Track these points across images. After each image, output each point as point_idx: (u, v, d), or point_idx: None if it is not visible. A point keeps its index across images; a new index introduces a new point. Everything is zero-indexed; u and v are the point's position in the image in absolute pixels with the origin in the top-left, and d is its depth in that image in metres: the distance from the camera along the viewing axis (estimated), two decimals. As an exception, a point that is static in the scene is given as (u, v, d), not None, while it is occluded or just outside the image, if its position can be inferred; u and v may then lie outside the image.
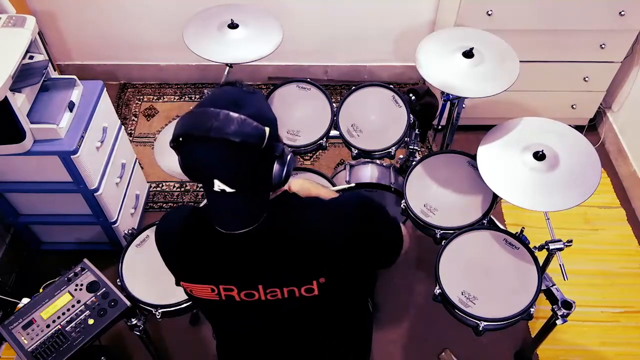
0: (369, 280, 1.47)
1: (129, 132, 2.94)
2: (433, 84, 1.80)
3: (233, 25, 1.96)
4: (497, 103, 2.64)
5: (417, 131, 2.01)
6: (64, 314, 1.62)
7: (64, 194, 2.08)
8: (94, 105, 2.00)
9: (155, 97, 3.13)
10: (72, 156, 1.87)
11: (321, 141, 1.97)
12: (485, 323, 1.56)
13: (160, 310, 1.65)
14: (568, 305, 1.66)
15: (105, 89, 2.09)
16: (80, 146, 1.89)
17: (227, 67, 2.01)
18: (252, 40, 1.96)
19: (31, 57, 1.89)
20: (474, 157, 1.79)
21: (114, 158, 2.16)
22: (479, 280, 1.64)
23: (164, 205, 2.63)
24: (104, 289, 1.67)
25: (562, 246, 1.62)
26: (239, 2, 2.06)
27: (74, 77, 1.99)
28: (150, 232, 1.82)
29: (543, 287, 1.66)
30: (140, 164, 2.54)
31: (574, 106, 2.75)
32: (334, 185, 1.99)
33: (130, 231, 1.83)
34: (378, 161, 2.15)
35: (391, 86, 1.99)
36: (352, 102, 2.00)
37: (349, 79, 3.16)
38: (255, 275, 1.07)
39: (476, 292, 1.61)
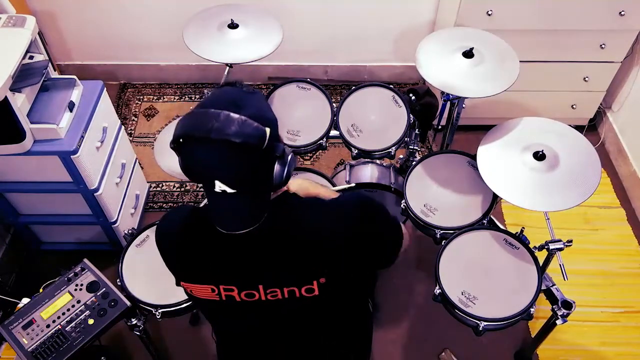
0: (369, 280, 1.47)
1: (129, 132, 2.94)
2: (433, 84, 1.80)
3: (233, 25, 1.96)
4: (497, 103, 2.64)
5: (417, 131, 2.01)
6: (64, 314, 1.62)
7: (64, 194, 2.08)
8: (94, 105, 2.00)
9: (155, 97, 3.13)
10: (72, 156, 1.87)
11: (321, 141, 1.97)
12: (485, 323, 1.56)
13: (160, 310, 1.65)
14: (568, 305, 1.66)
15: (105, 89, 2.09)
16: (80, 146, 1.89)
17: (227, 67, 2.01)
18: (252, 40, 1.96)
19: (31, 57, 1.89)
20: (474, 157, 1.79)
21: (114, 158, 2.16)
22: (479, 280, 1.64)
23: (164, 205, 2.63)
24: (104, 289, 1.67)
25: (562, 246, 1.62)
26: (239, 2, 2.06)
27: (74, 77, 1.99)
28: (150, 232, 1.82)
29: (543, 287, 1.66)
30: (140, 164, 2.54)
31: (574, 106, 2.75)
32: (334, 185, 1.99)
33: (130, 231, 1.83)
34: (378, 161, 2.15)
35: (391, 86, 1.99)
36: (352, 102, 2.00)
37: (349, 79, 3.16)
38: (256, 276, 1.07)
39: (476, 292, 1.61)
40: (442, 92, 1.90)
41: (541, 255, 1.69)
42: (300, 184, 1.33)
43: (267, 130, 0.95)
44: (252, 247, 1.05)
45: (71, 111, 1.92)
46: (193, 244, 1.10)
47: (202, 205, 1.73)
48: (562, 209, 1.55)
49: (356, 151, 1.93)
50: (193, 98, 3.13)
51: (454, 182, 1.86)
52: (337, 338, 1.27)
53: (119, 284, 1.70)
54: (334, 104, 2.00)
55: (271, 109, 1.03)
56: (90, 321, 1.60)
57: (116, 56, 3.07)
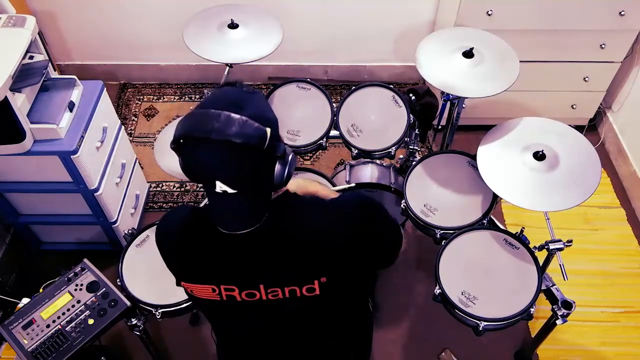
0: (369, 280, 1.47)
1: (129, 132, 2.94)
2: (433, 84, 1.80)
3: (233, 25, 1.96)
4: (497, 103, 2.64)
5: (417, 131, 2.01)
6: (64, 314, 1.62)
7: (64, 194, 2.08)
8: (94, 105, 2.00)
9: (155, 97, 3.13)
10: (72, 156, 1.87)
11: (321, 141, 1.97)
12: (485, 323, 1.56)
13: (160, 310, 1.65)
14: (568, 305, 1.66)
15: (105, 89, 2.09)
16: (80, 146, 1.89)
17: (227, 67, 2.01)
18: (252, 40, 1.96)
19: (31, 57, 1.89)
20: (474, 157, 1.79)
21: (114, 158, 2.16)
22: (479, 280, 1.64)
23: (164, 205, 2.63)
24: (104, 289, 1.67)
25: (562, 246, 1.62)
26: (239, 2, 2.06)
27: (74, 77, 1.99)
28: (150, 232, 1.82)
29: (543, 287, 1.66)
30: (140, 164, 2.54)
31: (574, 106, 2.75)
32: (334, 185, 1.99)
33: (130, 231, 1.83)
34: (378, 161, 2.15)
35: (391, 86, 1.99)
36: (352, 102, 2.00)
37: (349, 79, 3.16)
38: (257, 275, 1.07)
39: (476, 292, 1.61)
40: (442, 92, 1.90)
41: (541, 255, 1.69)
42: (298, 182, 1.33)
43: (268, 130, 0.95)
44: (252, 247, 1.05)
45: (71, 111, 1.92)
46: (193, 244, 1.10)
47: (202, 205, 1.73)
48: (562, 209, 1.55)
49: (356, 151, 1.93)
50: (193, 98, 3.13)
51: (454, 182, 1.86)
52: (337, 338, 1.27)
53: (119, 284, 1.70)
54: (334, 104, 2.00)
55: (271, 109, 1.03)
56: (90, 321, 1.60)
57: (116, 56, 3.07)
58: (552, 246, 1.63)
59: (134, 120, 3.00)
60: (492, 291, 1.62)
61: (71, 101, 1.92)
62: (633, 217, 2.59)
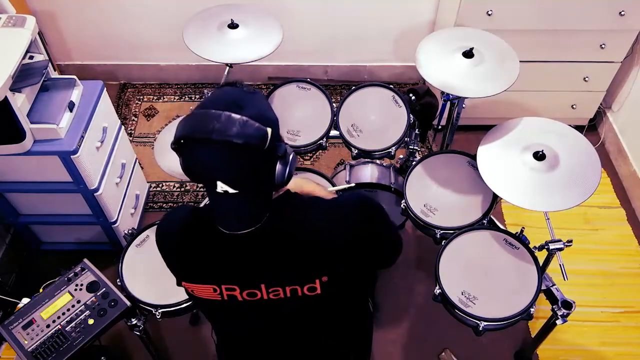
0: (369, 280, 1.47)
1: (129, 132, 2.94)
2: (433, 84, 1.80)
3: (233, 25, 1.96)
4: (497, 103, 2.64)
5: (417, 131, 2.01)
6: (64, 314, 1.62)
7: (64, 194, 2.08)
8: (94, 105, 2.00)
9: (155, 97, 3.13)
10: (72, 156, 1.87)
11: (321, 141, 1.97)
12: (485, 323, 1.56)
13: (160, 310, 1.65)
14: (568, 305, 1.66)
15: (105, 89, 2.09)
16: (80, 146, 1.89)
17: (227, 67, 2.01)
18: (252, 40, 1.96)
19: (31, 57, 1.89)
20: (474, 157, 1.79)
21: (114, 158, 2.16)
22: (479, 280, 1.64)
23: (164, 205, 2.63)
24: (104, 289, 1.67)
25: (562, 246, 1.62)
26: (239, 2, 2.06)
27: (74, 77, 1.99)
28: (150, 232, 1.82)
29: (543, 287, 1.66)
30: (140, 164, 2.54)
31: (574, 106, 2.76)
32: (334, 185, 1.99)
33: (130, 231, 1.83)
34: (378, 161, 2.16)
35: (391, 86, 1.99)
36: (352, 102, 2.00)
37: (349, 79, 3.16)
38: (258, 275, 1.07)
39: (476, 292, 1.61)
40: (442, 92, 1.90)
41: (541, 255, 1.69)
42: (295, 182, 1.33)
43: (269, 130, 0.95)
44: (254, 246, 1.05)
45: (71, 111, 1.92)
46: (193, 244, 1.10)
47: (202, 205, 1.73)
48: (562, 209, 1.55)
49: (356, 151, 1.93)
50: (193, 98, 3.13)
51: (454, 182, 1.86)
52: (338, 338, 1.27)
53: (119, 284, 1.70)
54: (334, 104, 2.00)
55: (272, 109, 1.03)
56: (90, 321, 1.60)
57: (116, 56, 3.07)
58: (552, 246, 1.63)
59: (134, 120, 3.00)
60: (492, 291, 1.62)
61: (71, 101, 1.92)
62: (633, 217, 2.59)
